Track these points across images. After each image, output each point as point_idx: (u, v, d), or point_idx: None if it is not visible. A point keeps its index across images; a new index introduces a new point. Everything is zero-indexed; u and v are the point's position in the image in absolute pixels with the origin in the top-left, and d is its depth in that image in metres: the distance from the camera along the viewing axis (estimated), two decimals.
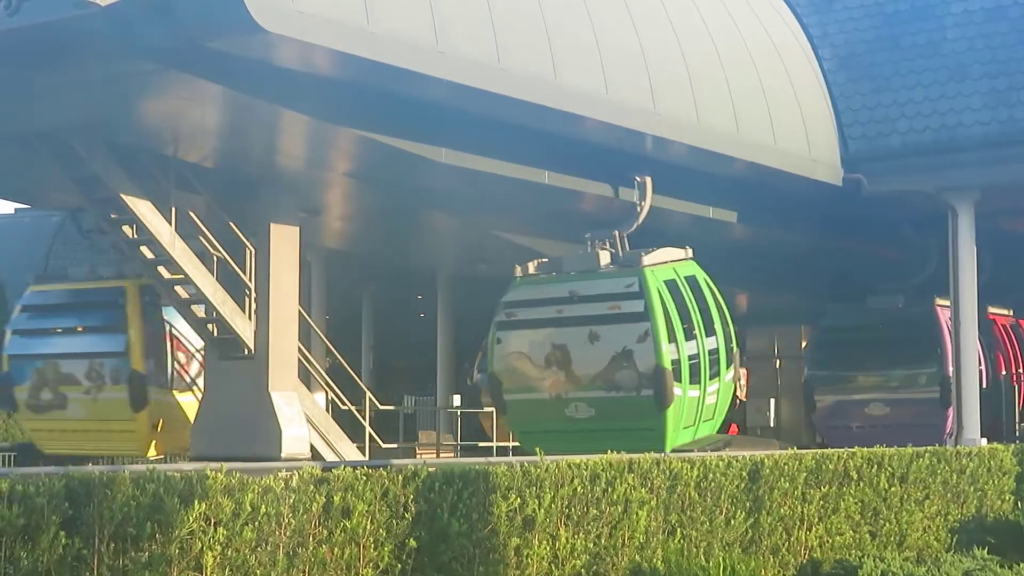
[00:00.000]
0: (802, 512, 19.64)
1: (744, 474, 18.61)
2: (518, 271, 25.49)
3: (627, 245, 25.44)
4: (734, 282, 34.89)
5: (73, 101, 22.74)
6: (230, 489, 12.19)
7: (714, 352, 24.40)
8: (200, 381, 29.78)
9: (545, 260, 25.76)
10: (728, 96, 28.19)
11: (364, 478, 13.48)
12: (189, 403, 29.82)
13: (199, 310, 26.82)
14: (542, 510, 15.35)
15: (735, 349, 25.38)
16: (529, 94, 23.06)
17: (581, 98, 24.19)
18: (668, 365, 22.93)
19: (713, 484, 18.04)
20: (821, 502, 20.03)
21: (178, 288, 26.55)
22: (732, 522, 18.31)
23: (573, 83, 23.98)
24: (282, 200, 27.64)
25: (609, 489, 16.35)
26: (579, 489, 15.95)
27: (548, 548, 15.44)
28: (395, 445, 31.90)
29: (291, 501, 12.74)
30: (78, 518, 11.21)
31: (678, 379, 23.12)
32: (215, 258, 26.38)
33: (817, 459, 20.14)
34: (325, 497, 13.04)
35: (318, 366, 30.79)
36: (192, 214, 26.42)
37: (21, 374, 30.51)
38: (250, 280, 26.77)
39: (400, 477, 13.98)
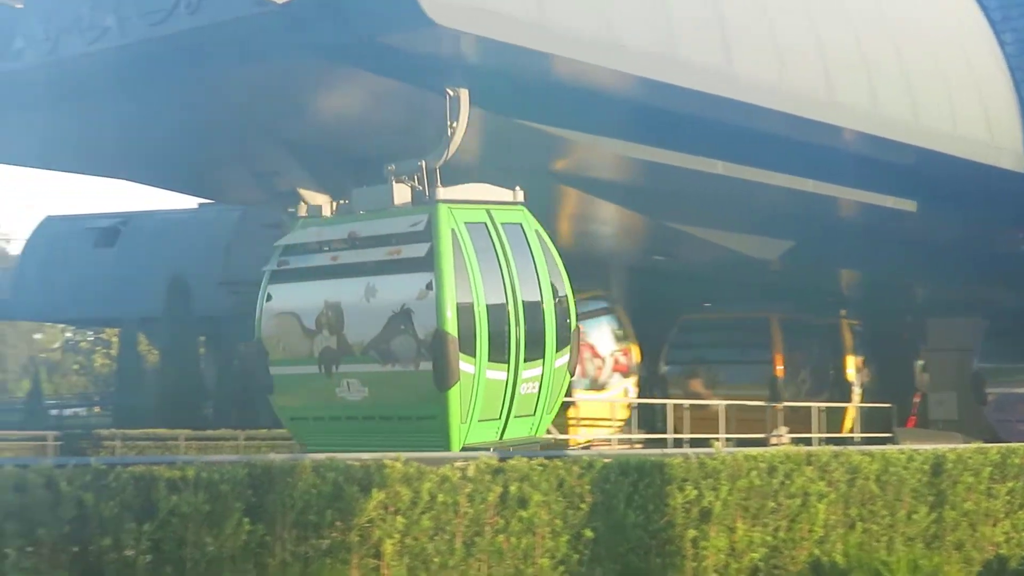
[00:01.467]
0: (987, 507, 19.16)
1: (926, 468, 18.24)
2: (302, 210, 21.04)
3: (438, 181, 19.18)
4: (915, 272, 34.30)
5: (251, 98, 23.20)
6: (408, 478, 12.33)
7: (536, 325, 18.34)
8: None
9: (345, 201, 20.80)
10: (906, 83, 27.61)
11: (540, 468, 13.53)
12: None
13: None
14: (719, 502, 15.24)
15: (573, 326, 19.19)
16: (702, 84, 22.85)
17: (756, 89, 23.88)
18: (453, 330, 17.11)
19: (894, 478, 17.72)
20: (1007, 497, 19.53)
21: None
22: (914, 516, 17.97)
23: (747, 73, 23.70)
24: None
25: (787, 482, 16.16)
26: (756, 481, 15.79)
27: (725, 540, 15.33)
28: (572, 437, 31.90)
29: (468, 491, 12.85)
30: (260, 505, 11.43)
31: (470, 352, 17.27)
32: None
33: (1003, 453, 19.65)
34: (501, 487, 13.12)
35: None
36: None
37: None
38: None
39: (576, 468, 14.00)
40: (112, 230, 52.99)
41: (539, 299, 18.41)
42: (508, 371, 17.78)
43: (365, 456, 12.66)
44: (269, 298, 20.03)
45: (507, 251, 18.33)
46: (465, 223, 17.95)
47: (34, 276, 54.72)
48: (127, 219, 53.36)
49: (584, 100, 22.71)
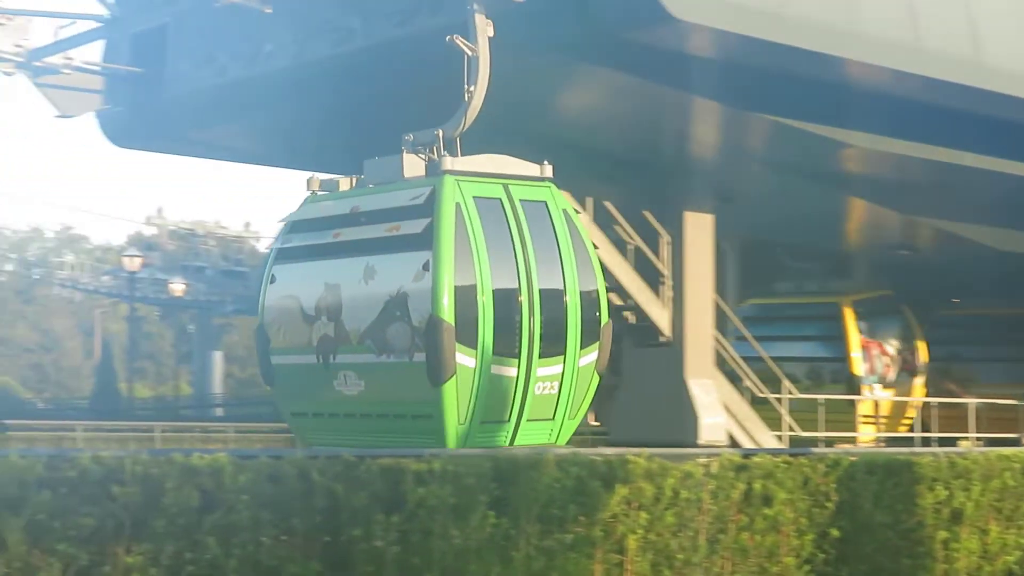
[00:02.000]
0: None
1: None
2: (315, 184, 18.52)
3: (458, 152, 17.34)
4: None
5: (491, 97, 23.42)
6: (651, 474, 12.30)
7: (556, 317, 16.13)
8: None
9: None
10: None
11: (784, 466, 13.37)
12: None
13: (615, 298, 27.16)
14: (971, 503, 14.82)
15: (604, 321, 16.79)
16: (950, 74, 22.26)
17: (1005, 77, 23.16)
18: (449, 317, 15.12)
19: None
20: None
21: None
22: None
23: (995, 62, 23.00)
24: (695, 188, 27.77)
25: None
26: (1010, 482, 15.32)
27: (977, 542, 14.91)
28: (815, 434, 31.43)
29: (711, 487, 12.76)
30: (505, 498, 11.54)
31: (471, 343, 15.26)
32: (630, 247, 26.67)
33: None
34: (745, 484, 13.00)
35: (735, 354, 30.62)
36: (608, 204, 26.76)
37: None
38: (665, 268, 26.94)
39: (821, 466, 13.79)
40: None
41: (561, 288, 16.01)
42: (519, 367, 15.58)
43: (608, 451, 12.68)
44: (272, 280, 18.09)
45: (524, 232, 16.00)
46: (474, 197, 15.74)
47: None
48: None
49: (826, 93, 22.35)
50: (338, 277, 16.91)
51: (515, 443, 15.57)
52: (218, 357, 73.18)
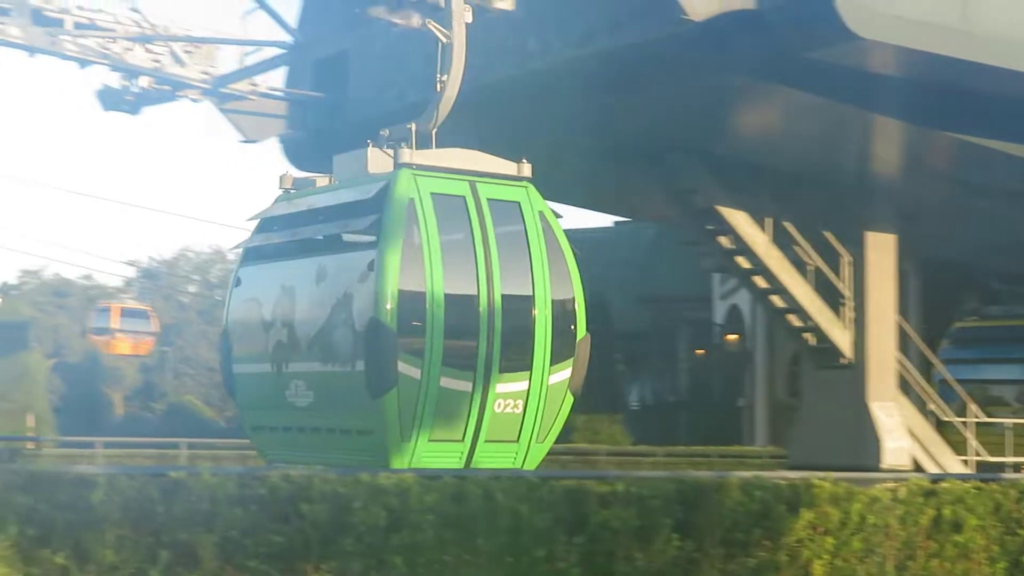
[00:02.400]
0: None
1: None
2: (287, 181, 16.72)
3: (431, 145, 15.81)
4: None
5: (668, 117, 23.44)
6: (837, 498, 12.14)
7: (521, 328, 14.38)
8: None
9: None
10: None
11: (975, 492, 13.07)
12: None
13: (795, 319, 26.89)
14: None
15: (581, 335, 15.12)
16: None
17: None
18: (391, 322, 13.54)
19: None
20: None
21: (773, 297, 26.73)
22: None
23: None
24: (877, 208, 27.33)
25: None
26: None
27: None
28: (1003, 459, 30.62)
29: (899, 512, 12.53)
30: (688, 521, 11.49)
31: (416, 352, 13.69)
32: (810, 268, 26.38)
33: None
34: (934, 510, 12.74)
35: (919, 377, 30.06)
36: (787, 224, 26.52)
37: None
38: (847, 289, 26.59)
39: (1013, 492, 13.45)
40: None
41: (529, 296, 14.26)
42: (475, 382, 13.89)
43: (792, 475, 12.54)
44: (238, 283, 16.56)
45: (489, 233, 14.23)
46: (432, 193, 14.09)
47: None
48: None
49: (1013, 110, 21.85)
50: (293, 279, 15.55)
51: (472, 466, 13.94)
52: None
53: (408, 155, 14.35)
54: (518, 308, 14.10)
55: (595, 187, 30.43)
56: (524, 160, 15.31)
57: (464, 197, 14.35)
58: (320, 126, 25.28)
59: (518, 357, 14.13)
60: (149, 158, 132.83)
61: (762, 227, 25.74)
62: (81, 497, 9.78)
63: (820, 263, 26.64)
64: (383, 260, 13.47)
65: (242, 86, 24.44)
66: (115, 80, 24.23)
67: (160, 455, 31.89)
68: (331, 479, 10.42)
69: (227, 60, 24.50)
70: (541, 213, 14.78)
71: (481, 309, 13.86)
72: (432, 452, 13.74)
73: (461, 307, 13.85)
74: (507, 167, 15.18)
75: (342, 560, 10.24)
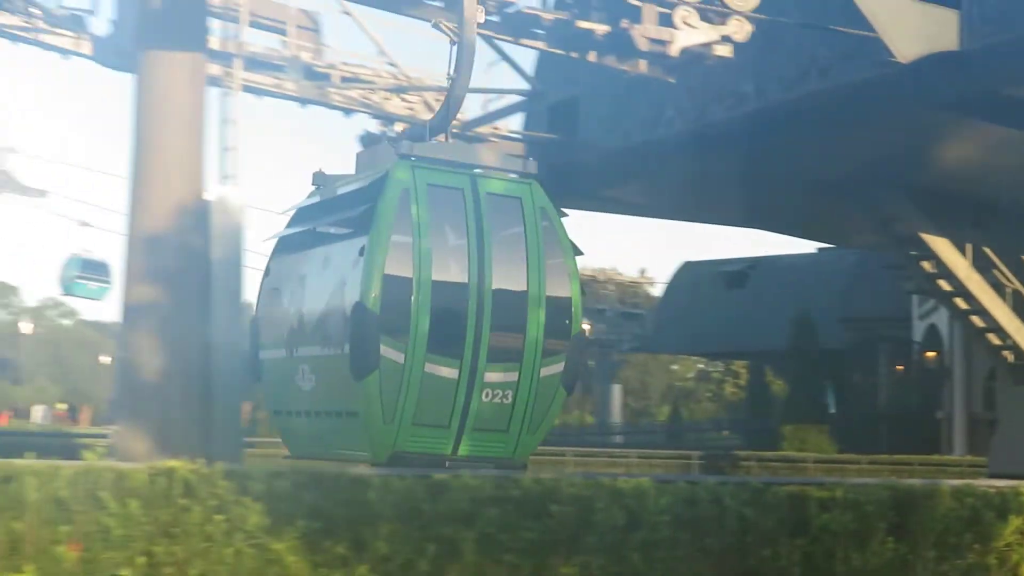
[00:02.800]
0: None
1: None
2: (320, 177, 15.69)
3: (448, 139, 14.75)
4: None
5: (874, 152, 23.06)
6: None
7: (512, 319, 13.31)
8: None
9: None
10: None
11: None
12: None
13: (994, 338, 26.13)
14: None
15: (575, 330, 13.76)
16: None
17: None
18: (375, 306, 12.67)
19: None
20: None
21: (973, 318, 26.06)
22: None
23: None
24: None
25: None
26: None
27: None
28: None
29: None
30: (902, 525, 11.28)
31: (401, 337, 12.74)
32: (1009, 289, 25.65)
33: None
34: None
35: None
36: (986, 249, 25.84)
37: None
38: None
39: None
40: (742, 273, 54.21)
41: (523, 289, 13.23)
42: (461, 370, 12.93)
43: (1000, 483, 12.21)
44: (267, 273, 15.86)
45: (484, 226, 13.18)
46: (429, 184, 13.12)
47: (673, 314, 56.78)
48: (755, 263, 54.34)
49: None
50: (305, 268, 14.80)
51: (460, 453, 12.96)
52: (616, 390, 73.90)
53: (408, 147, 13.25)
54: (510, 301, 12.98)
55: (806, 217, 30.10)
56: (531, 159, 14.05)
57: (463, 190, 13.22)
58: (553, 164, 25.50)
59: (508, 348, 13.02)
60: None
61: (963, 252, 25.11)
62: (358, 495, 10.07)
63: (1019, 285, 25.87)
64: (371, 245, 12.58)
65: (485, 129, 24.85)
66: (375, 126, 24.94)
67: None
68: (577, 483, 10.53)
69: (472, 106, 25.00)
70: (543, 210, 13.47)
71: (470, 299, 12.79)
72: (417, 436, 12.81)
73: (450, 296, 12.81)
74: (514, 163, 13.97)
75: (586, 555, 10.32)
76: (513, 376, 12.95)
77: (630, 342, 69.55)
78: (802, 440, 40.86)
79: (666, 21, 18.11)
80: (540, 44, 19.34)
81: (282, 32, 23.09)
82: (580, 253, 13.50)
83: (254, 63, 21.98)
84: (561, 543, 10.27)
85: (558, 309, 13.28)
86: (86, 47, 21.74)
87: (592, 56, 18.98)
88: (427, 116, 24.84)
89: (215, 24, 20.51)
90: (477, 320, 12.71)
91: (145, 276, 18.72)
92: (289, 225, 15.67)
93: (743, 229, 34.59)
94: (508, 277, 13.04)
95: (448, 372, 12.74)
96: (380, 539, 9.99)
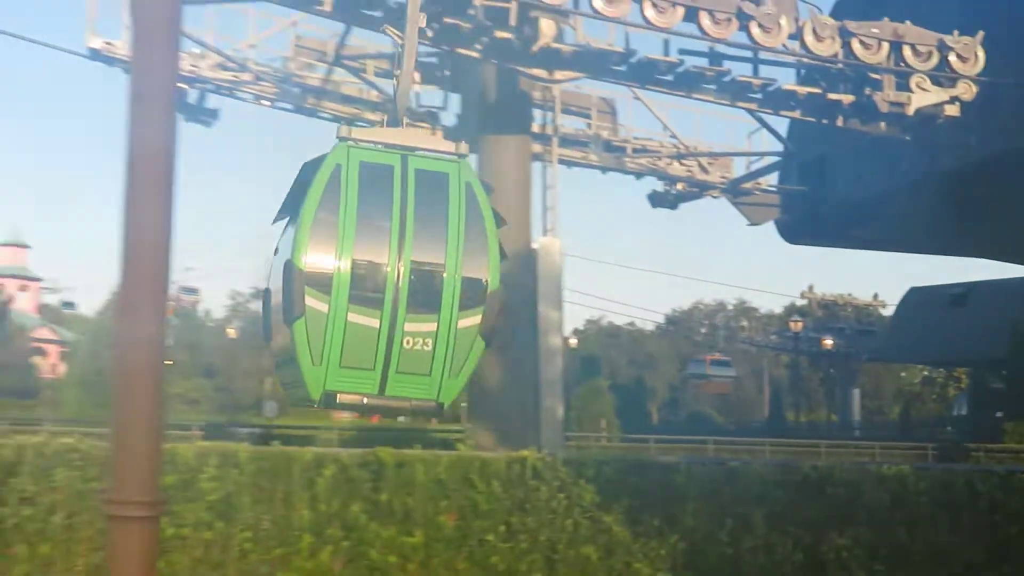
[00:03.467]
0: None
1: None
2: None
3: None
4: None
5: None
6: None
7: (430, 277, 11.79)
8: None
9: None
10: None
11: None
12: None
13: None
14: None
15: (492, 288, 11.76)
16: None
17: None
18: (300, 263, 11.77)
19: None
20: None
21: None
22: None
23: None
24: None
25: None
26: None
27: None
28: None
29: None
30: None
31: (324, 290, 11.70)
32: None
33: None
34: None
35: None
36: None
37: None
38: None
39: None
40: (962, 295, 52.05)
41: (442, 250, 11.85)
42: (382, 320, 11.81)
43: None
44: (276, 251, 15.16)
45: (409, 196, 11.91)
46: (361, 162, 12.06)
47: (902, 330, 54.79)
48: (973, 287, 52.00)
49: None
50: (281, 241, 13.09)
51: (388, 393, 11.64)
52: (856, 393, 71.68)
53: (347, 131, 11.73)
54: (429, 260, 11.58)
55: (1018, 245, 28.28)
56: (463, 142, 13.28)
57: (393, 166, 11.89)
58: (805, 211, 24.84)
59: (427, 302, 11.61)
60: (684, 239, 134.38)
61: None
62: (669, 479, 9.96)
63: None
64: (301, 212, 11.61)
65: (748, 185, 24.37)
66: (660, 186, 24.86)
67: (694, 448, 32.09)
68: (846, 469, 10.17)
69: (738, 167, 24.57)
70: (469, 184, 11.88)
71: (391, 257, 11.59)
72: (345, 377, 11.68)
73: (372, 254, 11.59)
74: (447, 146, 13.38)
75: (857, 528, 9.91)
76: (432, 326, 11.54)
77: (866, 354, 67.48)
78: (1022, 435, 38.37)
79: (902, 87, 17.38)
80: (795, 114, 18.86)
81: (587, 116, 23.33)
82: (504, 223, 12.46)
83: (566, 141, 22.25)
84: (835, 519, 9.90)
85: (476, 268, 11.56)
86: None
87: (839, 121, 18.39)
88: (703, 176, 24.72)
89: (536, 113, 20.86)
90: (396, 275, 11.43)
91: None
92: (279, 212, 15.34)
93: (958, 263, 32.58)
94: (429, 239, 11.60)
95: (369, 321, 11.52)
96: (687, 514, 9.86)
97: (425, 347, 11.42)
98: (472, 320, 11.50)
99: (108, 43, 19.40)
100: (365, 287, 11.24)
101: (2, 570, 8.73)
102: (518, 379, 18.96)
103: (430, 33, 16.62)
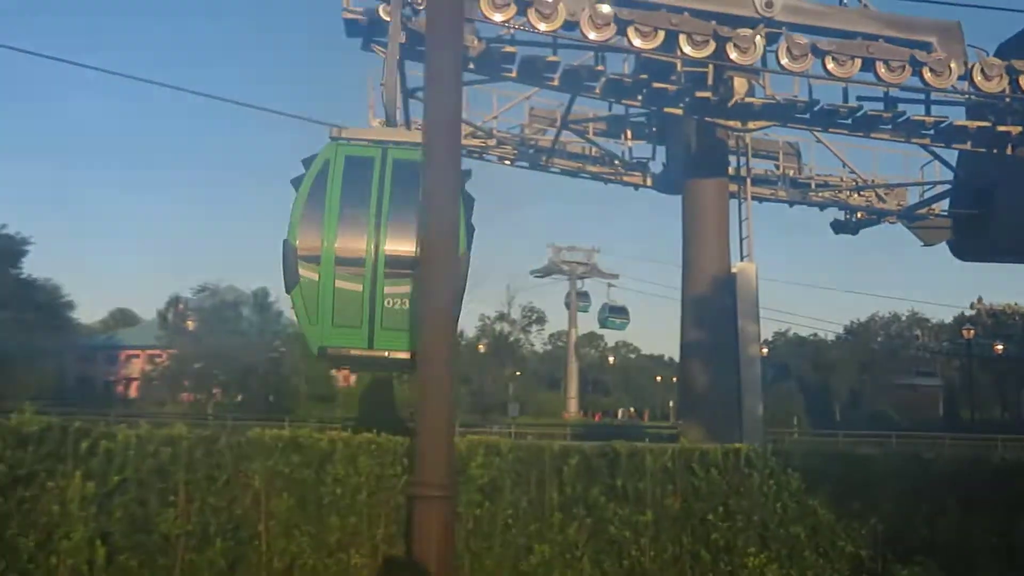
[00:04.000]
0: None
1: None
2: None
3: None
4: None
5: None
6: None
7: (404, 247, 11.27)
8: None
9: None
10: None
11: None
12: None
13: None
14: None
15: (462, 251, 10.78)
16: None
17: None
18: (293, 239, 11.38)
19: None
20: None
21: None
22: None
23: None
24: None
25: None
26: None
27: None
28: None
29: None
30: None
31: (314, 262, 11.34)
32: None
33: None
34: None
35: None
36: None
37: None
38: None
39: None
40: None
41: (414, 224, 11.19)
42: (365, 285, 11.45)
43: None
44: None
45: (387, 184, 11.65)
46: (347, 156, 11.78)
47: None
48: None
49: None
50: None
51: (376, 346, 11.36)
52: None
53: (338, 132, 11.96)
54: (403, 233, 11.33)
55: None
56: None
57: (374, 158, 11.79)
58: (975, 233, 23.17)
59: (402, 268, 11.35)
60: (861, 260, 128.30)
61: None
62: (866, 467, 9.44)
63: None
64: (296, 199, 11.47)
65: (923, 211, 22.99)
66: (841, 215, 23.81)
67: (878, 442, 30.43)
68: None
69: (912, 194, 23.25)
70: None
71: (370, 233, 11.36)
72: (338, 334, 11.50)
73: (355, 230, 11.42)
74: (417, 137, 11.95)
75: None
76: (407, 288, 11.28)
77: None
78: None
79: None
80: (965, 146, 17.66)
81: (774, 158, 22.66)
82: (472, 200, 11.72)
83: (757, 180, 21.65)
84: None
85: None
86: (648, 181, 22.31)
87: (1008, 150, 17.12)
88: (880, 205, 23.46)
89: (732, 158, 20.41)
90: (375, 247, 11.34)
91: (695, 324, 18.80)
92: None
93: None
94: (403, 217, 11.45)
95: (354, 286, 11.45)
96: (885, 500, 9.28)
97: (403, 305, 11.32)
98: None
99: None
100: (349, 258, 11.22)
101: (321, 536, 9.16)
102: (721, 383, 18.55)
103: (639, 98, 16.74)
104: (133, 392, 71.01)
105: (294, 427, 10.57)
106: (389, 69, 12.86)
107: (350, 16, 15.28)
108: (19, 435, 8.84)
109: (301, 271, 11.23)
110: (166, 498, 8.93)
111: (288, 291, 11.42)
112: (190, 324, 65.33)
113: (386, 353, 11.00)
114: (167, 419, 18.73)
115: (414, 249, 10.90)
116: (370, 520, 9.15)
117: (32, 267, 66.79)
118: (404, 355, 10.95)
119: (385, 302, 11.45)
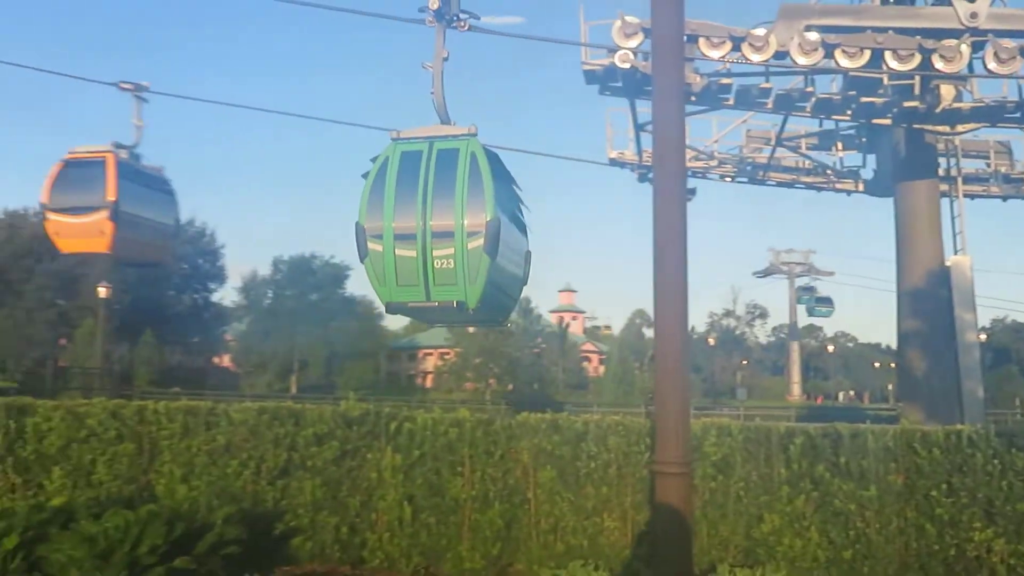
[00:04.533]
0: None
1: None
2: None
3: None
4: None
5: None
6: None
7: (448, 217, 10.85)
8: None
9: None
10: None
11: None
12: None
13: None
14: None
15: (490, 217, 10.80)
16: None
17: None
18: (363, 220, 11.04)
19: None
20: None
21: None
22: None
23: None
24: None
25: None
26: None
27: None
28: None
29: None
30: None
31: (378, 237, 10.98)
32: None
33: None
34: None
35: None
36: None
37: None
38: None
39: None
40: None
41: (452, 199, 11.19)
42: (417, 251, 11.30)
43: None
44: None
45: (431, 170, 11.45)
46: (403, 152, 11.53)
47: None
48: None
49: None
50: None
51: (432, 299, 11.30)
52: None
53: (397, 134, 11.88)
54: (445, 207, 11.32)
55: None
56: (473, 125, 11.70)
57: (422, 151, 11.69)
58: None
59: (446, 235, 11.30)
60: None
61: None
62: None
63: None
64: (363, 189, 11.50)
65: None
66: None
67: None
68: None
69: None
70: (473, 153, 11.55)
71: (418, 210, 11.30)
72: (403, 292, 11.51)
73: (408, 210, 11.31)
74: (461, 131, 11.85)
75: None
76: (451, 251, 11.41)
77: None
78: None
79: None
80: None
81: (986, 156, 20.23)
82: (509, 176, 11.70)
83: (968, 179, 19.43)
84: None
85: (476, 209, 11.51)
86: (860, 187, 20.72)
87: None
88: None
89: (941, 160, 18.46)
90: (424, 221, 11.43)
91: (912, 314, 17.19)
92: None
93: None
94: (444, 194, 11.51)
95: (410, 253, 11.60)
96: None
97: (449, 265, 11.62)
98: (477, 243, 11.73)
99: (620, 153, 20.30)
100: (405, 231, 11.55)
101: (579, 502, 9.20)
102: (940, 368, 16.85)
103: (848, 113, 15.62)
104: (428, 383, 75.73)
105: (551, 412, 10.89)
106: (436, 83, 12.59)
107: (588, 67, 15.40)
108: (346, 418, 9.99)
109: (370, 245, 11.71)
110: (455, 469, 9.44)
111: (361, 261, 11.91)
112: (470, 328, 68.71)
113: (436, 303, 11.35)
114: (454, 405, 20.27)
115: (453, 222, 11.56)
116: (619, 490, 9.10)
117: (352, 287, 72.72)
118: (451, 303, 11.30)
119: (435, 263, 11.84)
